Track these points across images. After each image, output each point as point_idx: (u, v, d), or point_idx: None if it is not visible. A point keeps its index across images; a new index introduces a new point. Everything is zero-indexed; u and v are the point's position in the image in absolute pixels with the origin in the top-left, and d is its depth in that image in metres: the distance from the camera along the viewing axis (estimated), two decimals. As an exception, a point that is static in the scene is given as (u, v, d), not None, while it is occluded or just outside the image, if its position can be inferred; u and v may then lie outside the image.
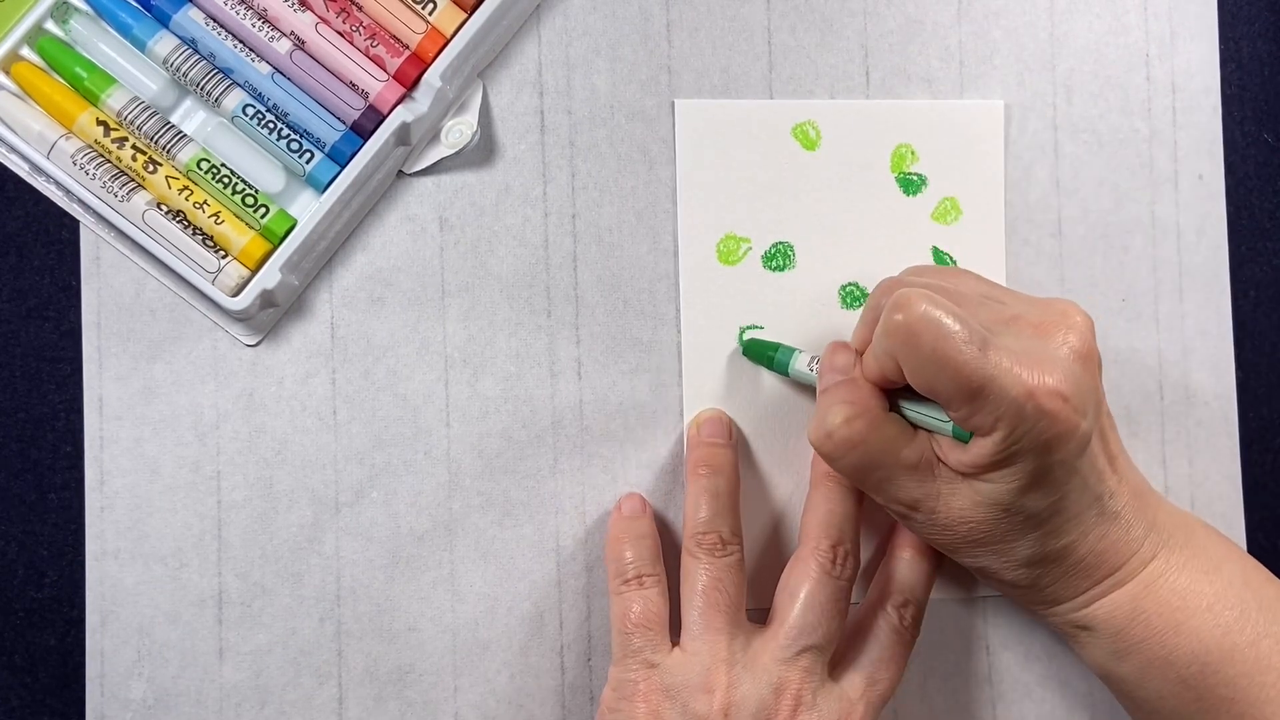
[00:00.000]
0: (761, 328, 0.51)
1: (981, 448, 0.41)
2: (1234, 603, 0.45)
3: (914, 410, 0.44)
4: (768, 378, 0.51)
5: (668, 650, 0.46)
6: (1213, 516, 0.53)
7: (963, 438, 0.42)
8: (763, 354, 0.50)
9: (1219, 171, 0.54)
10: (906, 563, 0.50)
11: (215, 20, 0.48)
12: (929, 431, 0.44)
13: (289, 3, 0.48)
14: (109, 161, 0.47)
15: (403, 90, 0.48)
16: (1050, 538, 0.43)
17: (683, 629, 0.47)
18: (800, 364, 0.49)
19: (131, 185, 0.47)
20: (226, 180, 0.48)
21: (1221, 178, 0.54)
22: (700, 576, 0.47)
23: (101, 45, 0.48)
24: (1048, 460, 0.41)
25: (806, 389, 0.51)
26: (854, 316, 0.52)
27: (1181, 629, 0.44)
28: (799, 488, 0.52)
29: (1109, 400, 0.49)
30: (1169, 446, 0.53)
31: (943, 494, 0.43)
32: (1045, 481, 0.42)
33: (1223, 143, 0.54)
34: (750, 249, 0.51)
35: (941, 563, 0.50)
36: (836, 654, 0.48)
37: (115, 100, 0.47)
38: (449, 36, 0.48)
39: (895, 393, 0.45)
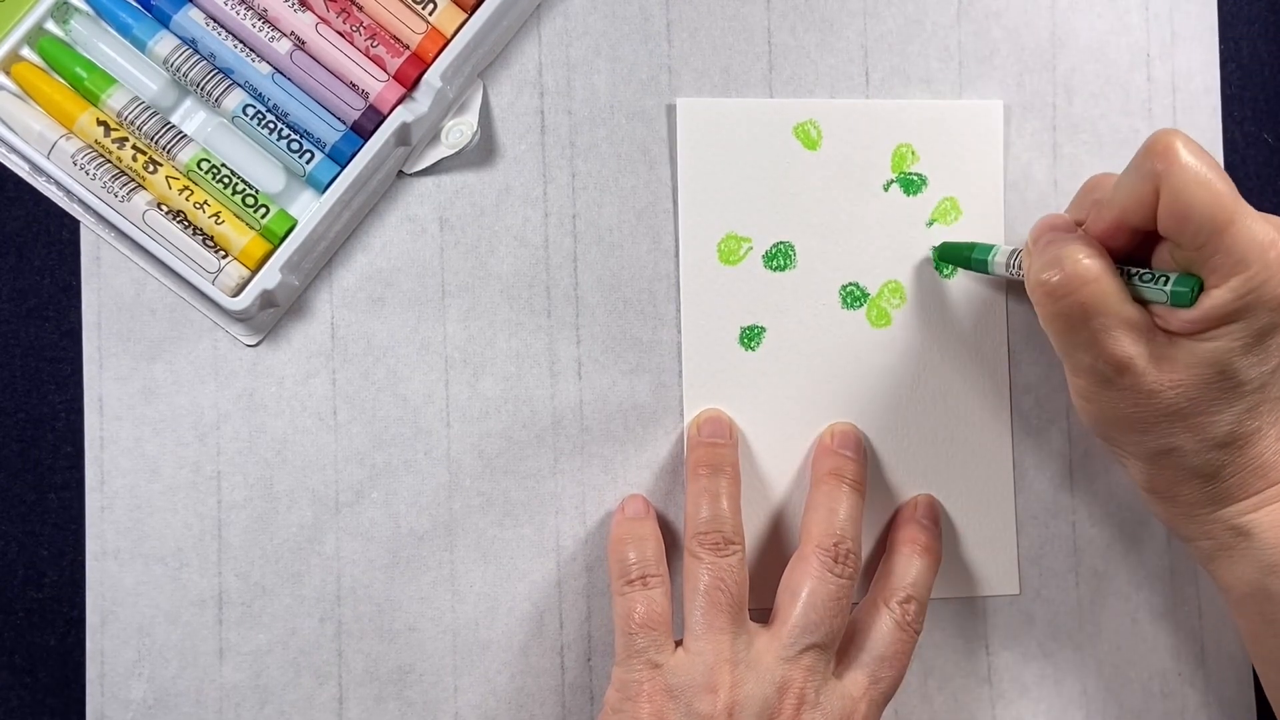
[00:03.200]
0: (763, 328, 0.51)
1: (1215, 299, 0.40)
2: None
3: (1134, 276, 0.43)
4: (767, 376, 0.51)
5: (671, 650, 0.46)
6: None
7: (1182, 301, 0.41)
8: (958, 255, 0.50)
9: (1219, 172, 0.54)
10: (907, 559, 0.50)
11: (215, 20, 0.48)
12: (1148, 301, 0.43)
13: (289, 3, 0.48)
14: (109, 161, 0.47)
15: (403, 90, 0.48)
16: (1248, 416, 0.43)
17: (685, 629, 0.47)
18: (1001, 257, 0.48)
19: (132, 185, 0.47)
20: (227, 180, 0.48)
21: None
22: (702, 576, 0.47)
23: (101, 45, 0.48)
24: (1276, 320, 0.41)
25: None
26: (855, 316, 0.52)
27: None
28: (800, 487, 0.52)
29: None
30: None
31: (1156, 354, 0.42)
32: (1266, 343, 0.41)
33: (1222, 143, 0.54)
34: (751, 249, 0.51)
35: (940, 561, 0.51)
36: (839, 651, 0.48)
37: (115, 100, 0.47)
38: (449, 36, 0.48)
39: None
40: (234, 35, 0.48)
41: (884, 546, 0.51)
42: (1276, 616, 0.45)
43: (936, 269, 0.52)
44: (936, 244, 0.52)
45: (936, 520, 0.51)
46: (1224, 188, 0.40)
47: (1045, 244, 0.44)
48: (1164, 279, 0.41)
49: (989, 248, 0.49)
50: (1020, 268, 0.46)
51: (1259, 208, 0.43)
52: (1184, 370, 0.42)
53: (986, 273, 0.50)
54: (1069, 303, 0.42)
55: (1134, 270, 0.43)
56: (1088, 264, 0.42)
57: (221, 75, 0.48)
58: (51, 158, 0.47)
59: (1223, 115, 0.55)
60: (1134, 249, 0.43)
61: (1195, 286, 0.41)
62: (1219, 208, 0.39)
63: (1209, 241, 0.40)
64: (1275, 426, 0.43)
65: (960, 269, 0.52)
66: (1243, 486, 0.44)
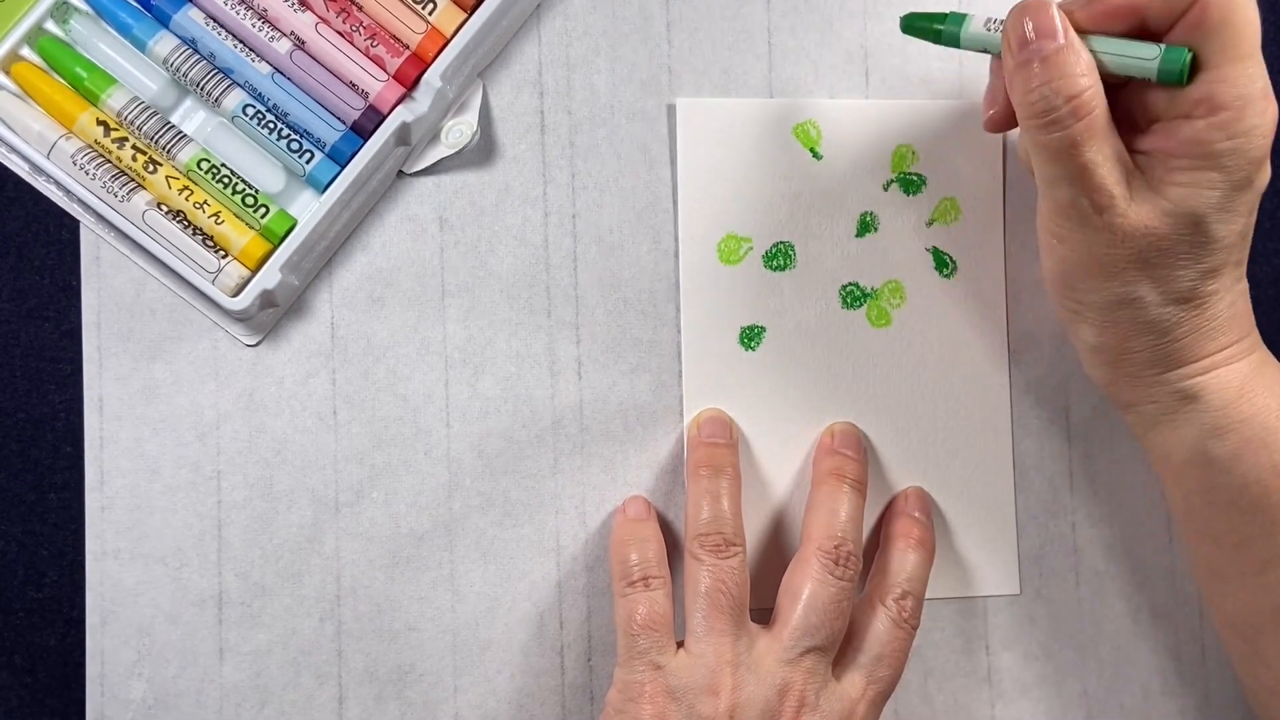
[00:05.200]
0: (763, 328, 0.51)
1: (1217, 117, 0.40)
2: None
3: (1115, 44, 0.42)
4: (767, 376, 0.51)
5: (673, 652, 0.46)
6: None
7: (1170, 76, 0.40)
8: (926, 27, 0.46)
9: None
10: (902, 554, 0.50)
11: (215, 20, 0.48)
12: (1132, 78, 0.42)
13: (289, 3, 0.48)
14: (109, 161, 0.47)
15: (403, 90, 0.48)
16: (1210, 275, 0.43)
17: (687, 631, 0.47)
18: (975, 26, 0.45)
19: (131, 185, 0.47)
20: (226, 180, 0.48)
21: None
22: (703, 578, 0.47)
23: (101, 45, 0.48)
24: (1250, 178, 0.41)
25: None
26: (855, 316, 0.52)
27: None
28: (800, 487, 0.52)
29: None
30: (1169, 446, 0.53)
31: (1135, 197, 0.42)
32: (1236, 204, 0.42)
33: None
34: (751, 248, 0.51)
35: (934, 553, 0.51)
36: (838, 651, 0.48)
37: (115, 100, 0.47)
38: (449, 36, 0.48)
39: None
40: (234, 35, 0.48)
41: (878, 542, 0.51)
42: (1214, 482, 0.45)
43: (906, 32, 0.47)
44: (906, 15, 0.47)
45: (928, 512, 0.51)
46: (1254, 18, 0.40)
47: (1031, 56, 0.42)
48: (1154, 50, 0.40)
49: (961, 17, 0.45)
50: (997, 31, 0.44)
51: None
52: (1161, 217, 0.42)
53: (956, 46, 0.45)
54: (1062, 135, 0.42)
55: (1118, 46, 0.41)
56: (1087, 94, 0.41)
57: (221, 75, 0.48)
58: (51, 158, 0.47)
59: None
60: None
61: (1187, 58, 0.40)
62: (1245, 35, 0.40)
63: (1221, 64, 0.40)
64: (1231, 292, 0.44)
65: (933, 39, 0.47)
66: (1193, 347, 0.44)
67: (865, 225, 0.52)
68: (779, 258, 0.51)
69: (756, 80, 0.52)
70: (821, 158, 0.52)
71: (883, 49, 0.52)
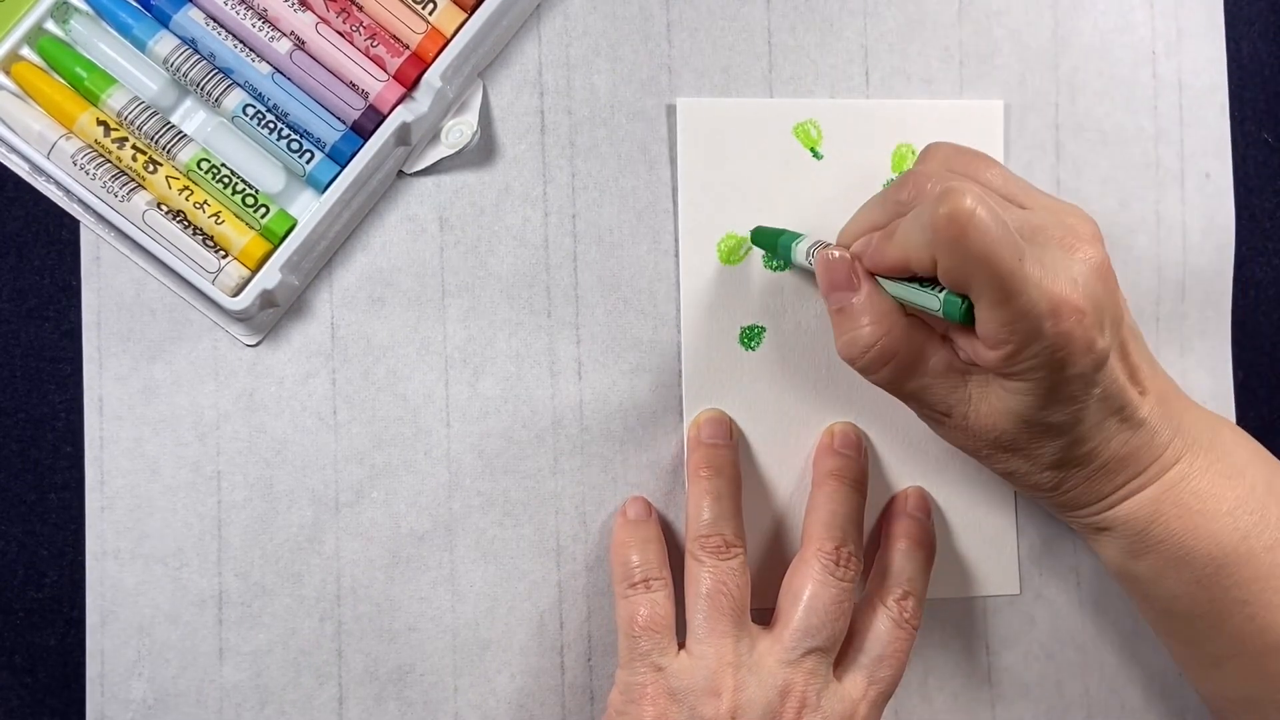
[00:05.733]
0: (763, 328, 0.51)
1: (999, 353, 0.41)
2: (1255, 508, 0.45)
3: (905, 291, 0.43)
4: (767, 376, 0.51)
5: (675, 653, 0.46)
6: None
7: (951, 316, 0.41)
8: (768, 240, 0.50)
9: (1227, 170, 0.54)
10: (903, 554, 0.50)
11: (215, 20, 0.48)
12: (924, 317, 0.44)
13: (289, 3, 0.48)
14: (109, 161, 0.47)
15: (403, 90, 0.48)
16: (1073, 445, 0.43)
17: (688, 632, 0.47)
18: (799, 256, 0.48)
19: (131, 185, 0.47)
20: (226, 180, 0.48)
21: (1230, 176, 0.54)
22: (704, 580, 0.47)
23: (101, 45, 0.48)
24: (1064, 375, 0.41)
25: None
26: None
27: (1200, 531, 0.44)
28: (801, 487, 0.51)
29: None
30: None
31: (973, 399, 0.43)
32: (1062, 395, 0.42)
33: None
34: (751, 249, 0.51)
35: (934, 552, 0.51)
36: (839, 651, 0.48)
37: (115, 100, 0.47)
38: (449, 36, 0.48)
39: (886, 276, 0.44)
40: (234, 35, 0.48)
41: (878, 542, 0.51)
42: (1144, 592, 0.47)
43: (755, 245, 0.51)
44: (754, 228, 0.51)
45: (928, 512, 0.51)
46: (1008, 264, 0.39)
47: (838, 310, 0.45)
48: (939, 288, 0.42)
49: (794, 236, 0.48)
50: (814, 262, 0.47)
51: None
52: (998, 416, 0.43)
53: (790, 262, 0.49)
54: (880, 377, 0.44)
55: (905, 288, 0.43)
56: (883, 342, 0.43)
57: (221, 75, 0.48)
58: (51, 158, 0.47)
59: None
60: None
61: (963, 307, 0.41)
62: (998, 284, 0.39)
63: (991, 311, 0.40)
64: (1119, 435, 0.44)
65: (770, 254, 0.51)
66: (1088, 494, 0.45)
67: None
68: (779, 258, 0.51)
69: (756, 80, 0.52)
70: (821, 158, 0.52)
71: (883, 49, 0.52)
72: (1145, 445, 0.44)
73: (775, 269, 0.51)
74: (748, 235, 0.51)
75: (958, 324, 0.41)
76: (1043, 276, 0.40)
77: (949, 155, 0.46)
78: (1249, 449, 0.47)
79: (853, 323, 0.44)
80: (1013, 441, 0.44)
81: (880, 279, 0.44)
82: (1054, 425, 0.43)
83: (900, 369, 0.44)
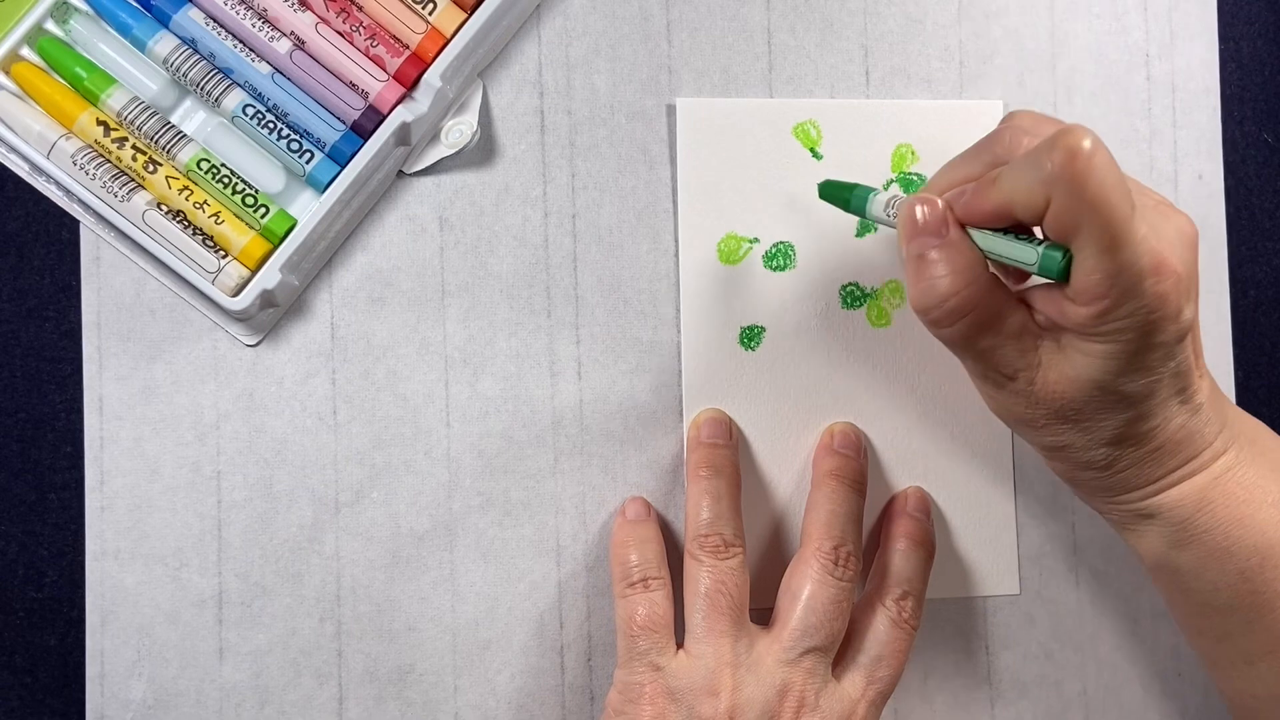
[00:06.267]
0: (763, 328, 0.51)
1: (1093, 308, 0.40)
2: None
3: (999, 243, 0.42)
4: (767, 376, 0.51)
5: (673, 653, 0.46)
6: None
7: (1049, 273, 0.40)
8: (838, 195, 0.48)
9: (1219, 171, 0.54)
10: (902, 554, 0.50)
11: (215, 20, 0.48)
12: (1013, 265, 0.42)
13: (289, 3, 0.48)
14: (109, 161, 0.47)
15: (403, 90, 0.48)
16: (1137, 420, 0.43)
17: (687, 632, 0.47)
18: (876, 209, 0.46)
19: (131, 185, 0.47)
20: (226, 180, 0.48)
21: (1221, 177, 0.54)
22: (703, 579, 0.47)
23: (101, 45, 0.48)
24: (1150, 341, 0.40)
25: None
26: (855, 316, 0.52)
27: (1246, 522, 0.44)
28: (800, 487, 0.52)
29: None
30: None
31: (1043, 364, 0.42)
32: (1143, 364, 0.41)
33: (1222, 143, 0.54)
34: (751, 249, 0.51)
35: (934, 552, 0.51)
36: (838, 651, 0.48)
37: (115, 100, 0.47)
38: (449, 36, 0.48)
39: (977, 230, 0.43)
40: (234, 35, 0.48)
41: (878, 542, 0.51)
42: (1184, 585, 0.46)
43: (823, 198, 0.49)
44: (822, 181, 0.49)
45: (928, 512, 0.52)
46: (1123, 208, 0.38)
47: (918, 257, 0.43)
48: (1036, 243, 0.40)
49: (869, 190, 0.47)
50: (895, 216, 0.45)
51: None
52: (1068, 383, 0.42)
53: (864, 216, 0.47)
54: (953, 331, 0.43)
55: (1001, 241, 0.42)
56: (964, 294, 0.42)
57: (221, 75, 0.48)
58: (51, 158, 0.47)
59: (1223, 115, 0.55)
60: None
61: (1063, 260, 0.40)
62: (1110, 231, 0.38)
63: (1097, 259, 0.39)
64: (1176, 418, 0.43)
65: (843, 207, 0.49)
66: (1139, 476, 0.44)
67: (865, 225, 0.52)
68: (779, 258, 0.51)
69: (756, 80, 0.52)
70: (821, 158, 0.52)
71: (883, 49, 0.52)
72: (1200, 431, 0.44)
73: (775, 269, 0.51)
74: (748, 236, 0.51)
75: (1049, 279, 0.40)
76: (1148, 233, 0.39)
77: (1035, 120, 0.44)
78: None
79: (931, 271, 0.42)
80: (1078, 411, 0.43)
81: (971, 231, 0.42)
82: (1126, 395, 0.42)
83: (975, 325, 0.42)
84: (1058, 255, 0.40)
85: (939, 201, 0.43)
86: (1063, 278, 0.40)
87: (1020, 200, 0.40)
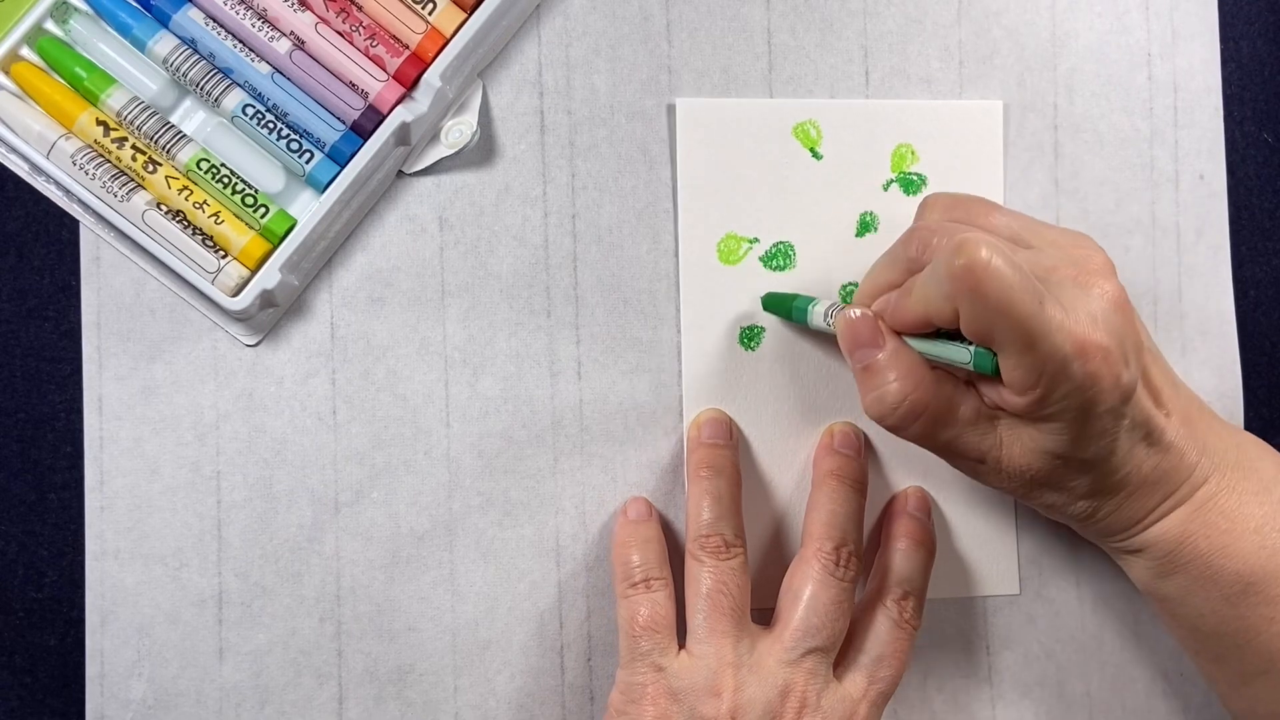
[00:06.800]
0: (763, 328, 0.51)
1: (1028, 399, 0.41)
2: None
3: (933, 346, 0.43)
4: (767, 376, 0.51)
5: (675, 653, 0.46)
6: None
7: (983, 369, 0.41)
8: (780, 306, 0.50)
9: (1220, 171, 0.54)
10: (903, 554, 0.50)
11: (215, 20, 0.48)
12: (948, 367, 0.44)
13: (289, 3, 0.48)
14: (109, 161, 0.47)
15: (403, 90, 0.48)
16: (1106, 475, 0.44)
17: (688, 632, 0.47)
18: (816, 319, 0.48)
19: (131, 185, 0.47)
20: (226, 180, 0.48)
21: (1223, 178, 0.54)
22: (704, 580, 0.47)
23: (101, 45, 0.48)
24: (1093, 412, 0.41)
25: (809, 365, 0.51)
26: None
27: (1228, 551, 0.45)
28: (801, 487, 0.52)
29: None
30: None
31: (1004, 442, 0.44)
32: (1094, 430, 0.42)
33: (1224, 143, 0.54)
34: (750, 249, 0.51)
35: (934, 552, 0.51)
36: (839, 651, 0.48)
37: (115, 100, 0.47)
38: (449, 36, 0.48)
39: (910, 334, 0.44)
40: (233, 35, 0.48)
41: (878, 542, 0.51)
42: (1172, 610, 0.47)
43: (766, 310, 0.51)
44: (763, 293, 0.51)
45: (928, 512, 0.52)
46: (1029, 308, 0.39)
47: (864, 368, 0.44)
48: (967, 342, 0.42)
49: (808, 301, 0.48)
50: (833, 325, 0.47)
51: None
52: (1031, 456, 0.43)
53: (805, 323, 0.49)
54: (911, 433, 0.44)
55: (931, 345, 0.43)
56: (914, 401, 0.43)
57: (221, 75, 0.48)
58: (51, 158, 0.47)
59: (1223, 115, 0.54)
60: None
61: (993, 360, 0.41)
62: (1021, 332, 0.39)
63: (1014, 358, 0.40)
64: (1148, 460, 0.44)
65: (785, 318, 0.51)
66: (1122, 519, 0.46)
67: (865, 225, 0.52)
68: (779, 258, 0.51)
69: (756, 80, 0.52)
70: (821, 158, 0.52)
71: (883, 49, 0.52)
72: (1174, 467, 0.44)
73: (775, 269, 0.51)
74: (748, 236, 0.51)
75: (985, 375, 0.42)
76: (1064, 319, 0.40)
77: (948, 205, 0.46)
78: (1275, 463, 0.47)
79: (879, 379, 0.44)
80: (1047, 478, 0.44)
81: (906, 337, 0.44)
82: (1087, 460, 0.43)
83: (931, 422, 0.44)
84: (988, 354, 0.41)
85: (869, 314, 0.45)
86: (997, 374, 0.41)
87: (934, 311, 0.42)
